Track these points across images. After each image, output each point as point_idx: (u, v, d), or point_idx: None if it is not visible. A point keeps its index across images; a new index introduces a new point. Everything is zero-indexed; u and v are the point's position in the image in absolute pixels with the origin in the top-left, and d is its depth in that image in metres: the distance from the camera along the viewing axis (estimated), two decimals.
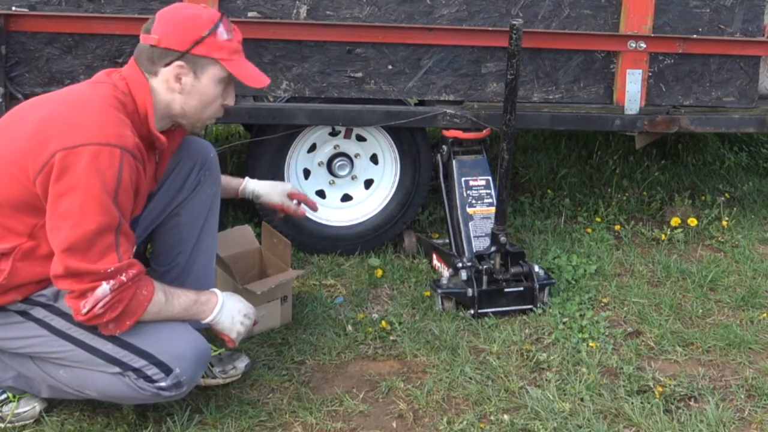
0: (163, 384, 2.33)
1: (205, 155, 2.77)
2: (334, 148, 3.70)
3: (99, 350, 2.32)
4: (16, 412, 2.50)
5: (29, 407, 2.53)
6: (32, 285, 2.34)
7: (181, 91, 2.41)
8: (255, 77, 2.50)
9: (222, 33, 2.41)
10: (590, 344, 3.06)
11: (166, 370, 2.33)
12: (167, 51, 2.38)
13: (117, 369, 2.33)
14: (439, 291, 3.27)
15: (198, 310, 2.45)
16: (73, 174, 2.17)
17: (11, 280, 2.30)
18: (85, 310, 2.22)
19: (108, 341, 2.32)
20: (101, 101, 2.31)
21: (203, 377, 2.65)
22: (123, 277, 2.24)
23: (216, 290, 2.54)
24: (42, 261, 2.29)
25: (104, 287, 2.21)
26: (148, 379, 2.33)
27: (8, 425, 2.50)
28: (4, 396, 2.51)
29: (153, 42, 2.38)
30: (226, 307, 2.50)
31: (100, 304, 2.22)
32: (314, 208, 3.24)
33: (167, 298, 2.37)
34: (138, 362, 2.32)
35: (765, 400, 2.80)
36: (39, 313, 2.35)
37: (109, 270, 2.21)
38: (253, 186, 3.03)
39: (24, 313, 2.35)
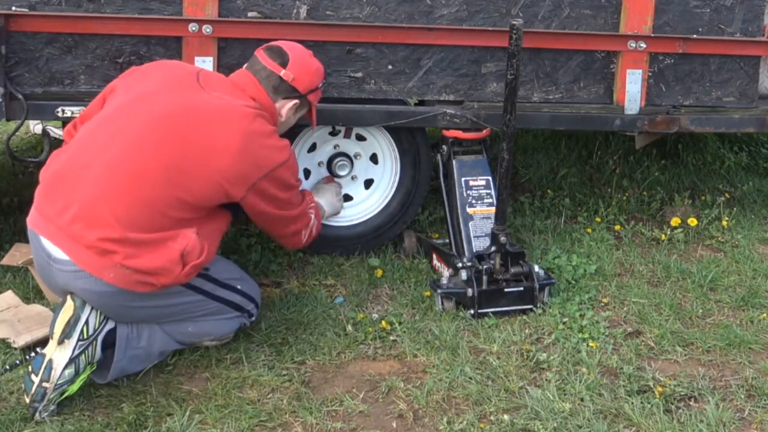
0: (253, 318, 3.03)
1: None
2: (334, 147, 3.70)
3: (229, 300, 2.89)
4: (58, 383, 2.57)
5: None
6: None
7: (284, 117, 2.99)
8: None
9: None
10: (590, 344, 3.06)
11: (257, 305, 3.02)
12: (293, 89, 2.97)
13: (237, 313, 2.93)
14: (439, 291, 3.27)
15: (339, 205, 3.56)
16: (285, 183, 2.86)
17: (208, 258, 2.73)
18: (305, 240, 3.09)
19: (234, 293, 2.91)
20: (265, 121, 2.87)
21: None
22: (312, 203, 3.16)
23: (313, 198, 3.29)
24: (211, 234, 2.78)
25: (311, 219, 3.10)
26: (250, 315, 3.00)
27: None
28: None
29: (287, 78, 2.94)
30: (329, 202, 3.51)
31: (314, 229, 3.12)
32: None
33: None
34: (248, 305, 2.96)
35: (765, 400, 2.80)
36: (196, 281, 2.78)
37: (311, 205, 3.12)
38: None
39: (186, 284, 2.74)
